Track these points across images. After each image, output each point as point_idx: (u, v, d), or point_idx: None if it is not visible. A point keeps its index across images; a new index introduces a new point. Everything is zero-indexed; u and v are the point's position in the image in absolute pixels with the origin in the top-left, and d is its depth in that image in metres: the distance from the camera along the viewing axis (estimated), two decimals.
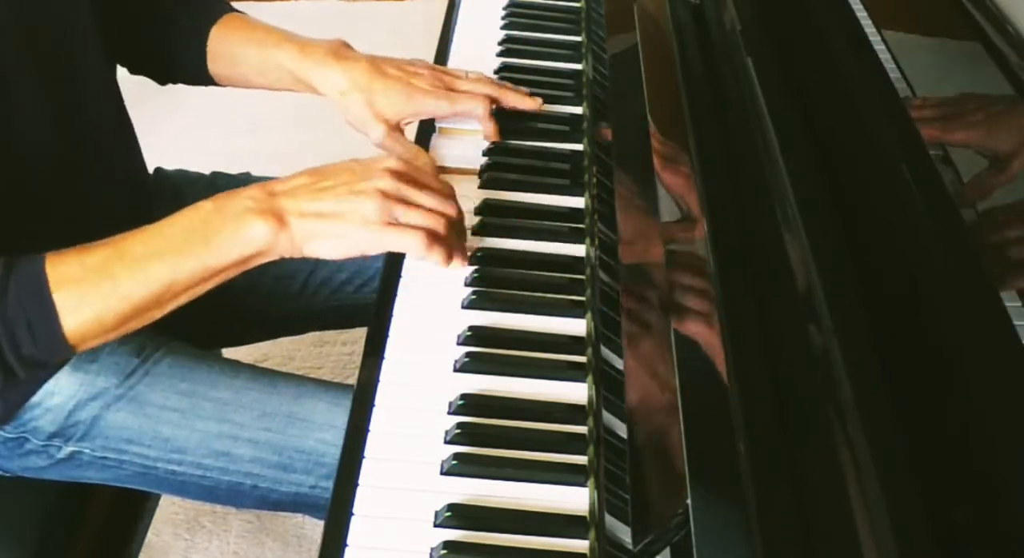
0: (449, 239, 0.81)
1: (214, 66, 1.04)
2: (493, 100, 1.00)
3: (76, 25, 0.92)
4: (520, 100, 1.02)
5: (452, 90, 0.98)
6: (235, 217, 0.77)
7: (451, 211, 0.81)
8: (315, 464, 0.91)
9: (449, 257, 0.81)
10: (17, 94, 0.85)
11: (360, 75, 0.96)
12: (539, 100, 1.03)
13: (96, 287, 0.75)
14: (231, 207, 0.77)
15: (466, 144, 1.00)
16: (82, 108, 0.93)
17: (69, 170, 0.92)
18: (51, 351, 0.77)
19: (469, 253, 0.85)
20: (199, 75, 1.05)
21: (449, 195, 0.83)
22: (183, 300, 0.79)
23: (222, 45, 1.03)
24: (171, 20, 1.04)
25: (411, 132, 1.02)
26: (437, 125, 1.02)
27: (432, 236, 0.79)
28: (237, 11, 1.06)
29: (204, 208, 0.78)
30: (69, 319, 0.75)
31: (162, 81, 1.10)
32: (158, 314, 0.79)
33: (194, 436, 0.91)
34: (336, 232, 0.77)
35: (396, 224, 0.78)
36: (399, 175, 0.80)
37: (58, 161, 0.91)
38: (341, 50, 0.99)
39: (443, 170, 0.97)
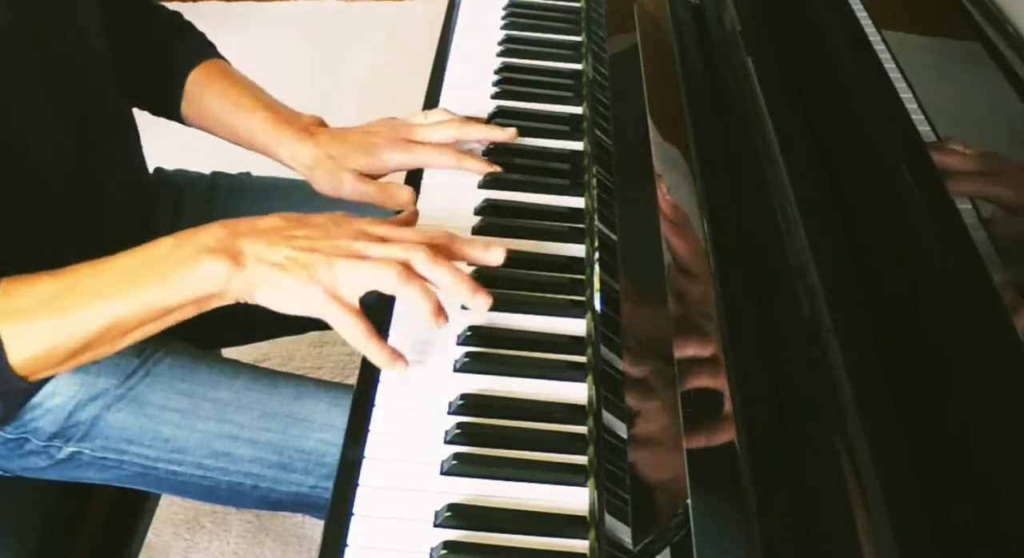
0: (429, 274, 0.75)
1: (187, 106, 1.04)
2: (457, 142, 0.97)
3: (78, 25, 0.92)
4: (489, 132, 0.99)
5: (410, 141, 0.96)
6: (191, 256, 0.74)
7: (420, 252, 0.74)
8: (315, 464, 0.91)
9: (388, 352, 0.75)
10: (19, 94, 0.85)
11: (325, 142, 0.97)
12: (513, 131, 0.99)
13: (45, 321, 0.74)
14: (190, 245, 0.74)
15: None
16: (85, 108, 0.93)
17: (71, 170, 0.92)
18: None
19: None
20: (169, 99, 1.04)
21: (426, 239, 0.76)
22: (136, 338, 0.76)
23: (198, 90, 1.03)
24: (173, 30, 1.04)
25: None
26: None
27: (364, 323, 0.74)
28: (223, 59, 1.06)
29: (164, 244, 0.75)
30: (16, 352, 0.74)
31: (127, 95, 1.04)
32: (110, 350, 0.76)
33: (194, 436, 0.91)
34: (281, 283, 0.73)
35: (334, 295, 0.73)
36: (367, 236, 0.75)
37: (60, 161, 0.91)
38: (312, 127, 0.99)
39: None
